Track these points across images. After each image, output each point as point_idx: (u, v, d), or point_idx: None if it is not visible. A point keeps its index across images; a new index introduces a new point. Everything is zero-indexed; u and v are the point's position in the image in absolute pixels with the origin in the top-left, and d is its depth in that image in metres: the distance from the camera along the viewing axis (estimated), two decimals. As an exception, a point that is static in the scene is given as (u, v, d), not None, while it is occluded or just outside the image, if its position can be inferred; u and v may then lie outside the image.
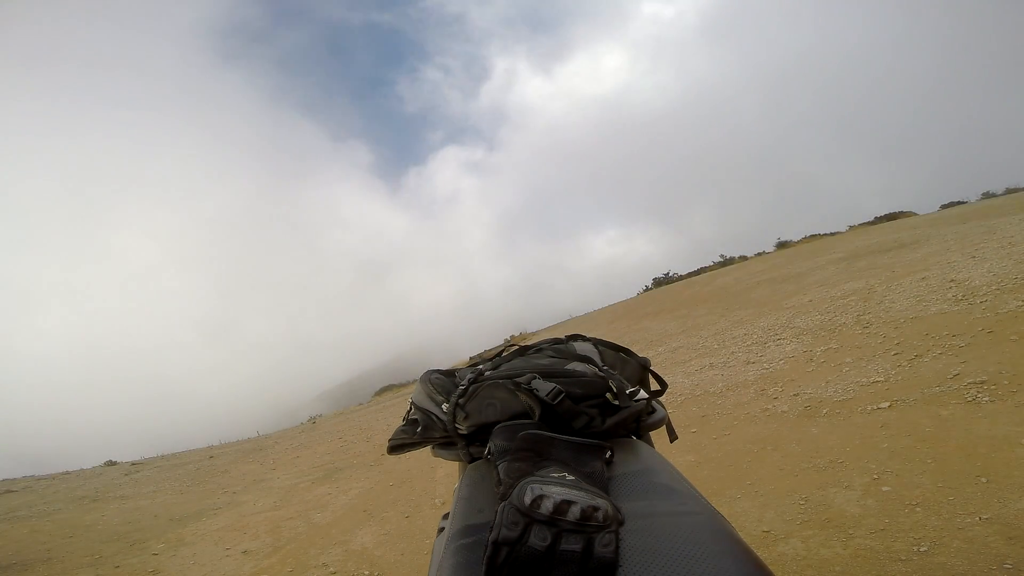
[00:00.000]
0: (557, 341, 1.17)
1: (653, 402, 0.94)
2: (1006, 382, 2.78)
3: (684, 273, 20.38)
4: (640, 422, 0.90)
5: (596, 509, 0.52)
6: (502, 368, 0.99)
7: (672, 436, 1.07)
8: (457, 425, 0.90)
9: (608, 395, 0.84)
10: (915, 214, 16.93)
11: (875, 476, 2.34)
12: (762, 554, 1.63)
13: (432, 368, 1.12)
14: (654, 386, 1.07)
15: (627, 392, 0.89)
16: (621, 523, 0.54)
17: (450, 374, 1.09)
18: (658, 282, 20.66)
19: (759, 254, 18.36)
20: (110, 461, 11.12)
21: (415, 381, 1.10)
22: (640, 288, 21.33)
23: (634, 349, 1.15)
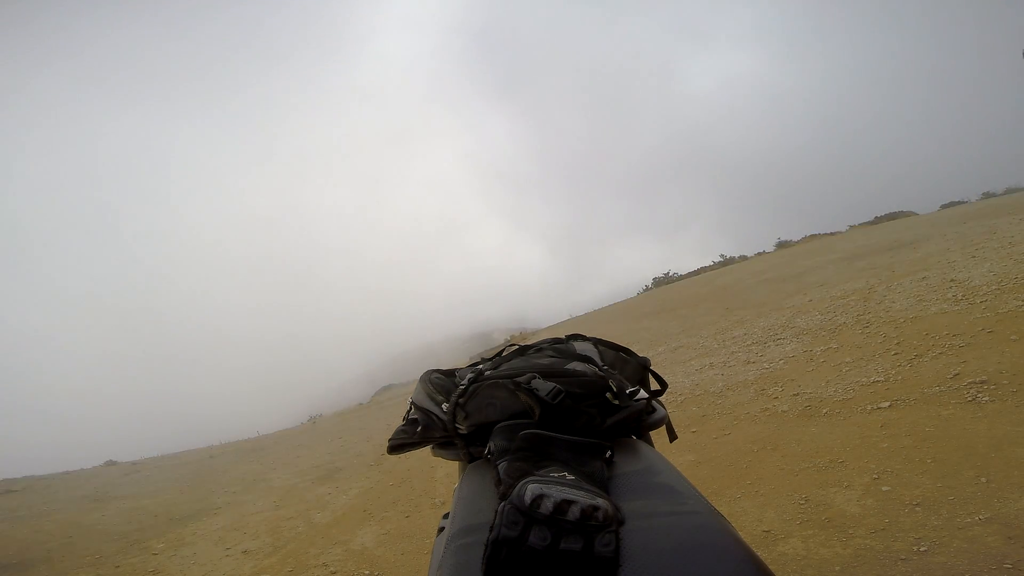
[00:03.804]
0: (557, 341, 1.17)
1: (653, 402, 0.94)
2: (1006, 382, 2.78)
3: (684, 273, 20.39)
4: (640, 422, 0.90)
5: (596, 509, 0.52)
6: (502, 368, 1.00)
7: (672, 436, 1.07)
8: (457, 425, 0.90)
9: (608, 395, 0.84)
10: (915, 214, 16.93)
11: (875, 476, 2.35)
12: (762, 554, 1.63)
13: (432, 368, 1.12)
14: (654, 386, 1.07)
15: (627, 392, 0.89)
16: (621, 523, 0.54)
17: (450, 374, 1.09)
18: (658, 282, 20.67)
19: (759, 254, 18.36)
20: (110, 461, 11.12)
21: (415, 381, 1.10)
22: (640, 288, 21.35)
23: (634, 349, 1.15)
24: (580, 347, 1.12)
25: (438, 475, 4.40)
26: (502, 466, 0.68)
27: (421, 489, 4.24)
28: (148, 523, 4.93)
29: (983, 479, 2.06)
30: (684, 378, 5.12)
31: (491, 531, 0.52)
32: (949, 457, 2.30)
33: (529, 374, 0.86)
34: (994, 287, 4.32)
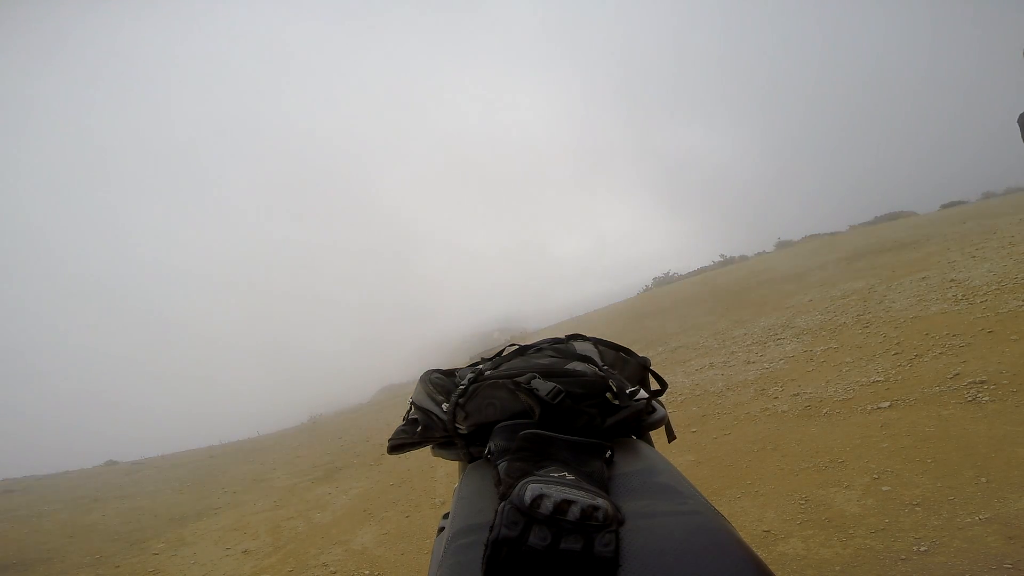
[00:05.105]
0: (557, 341, 1.17)
1: (653, 402, 0.94)
2: (1006, 382, 2.78)
3: (684, 273, 20.40)
4: (640, 422, 0.90)
5: (596, 508, 0.52)
6: (502, 368, 0.99)
7: (670, 436, 1.06)
8: (457, 425, 0.90)
9: (608, 395, 0.84)
10: (915, 214, 16.95)
11: (875, 476, 2.35)
12: (762, 554, 1.63)
13: (432, 368, 1.12)
14: (654, 386, 1.07)
15: (627, 392, 0.89)
16: (621, 523, 0.54)
17: (450, 374, 1.09)
18: (658, 282, 20.68)
19: (759, 254, 18.38)
20: (110, 461, 11.13)
21: (415, 381, 1.10)
22: (640, 288, 21.36)
23: (634, 349, 1.14)
24: (580, 347, 1.12)
25: (438, 475, 4.40)
26: (502, 466, 0.68)
27: (421, 489, 4.24)
28: (148, 523, 4.94)
29: (983, 479, 2.06)
30: (684, 378, 5.12)
31: (491, 531, 0.52)
32: (949, 457, 2.30)
33: (529, 374, 0.86)
34: (994, 287, 4.32)
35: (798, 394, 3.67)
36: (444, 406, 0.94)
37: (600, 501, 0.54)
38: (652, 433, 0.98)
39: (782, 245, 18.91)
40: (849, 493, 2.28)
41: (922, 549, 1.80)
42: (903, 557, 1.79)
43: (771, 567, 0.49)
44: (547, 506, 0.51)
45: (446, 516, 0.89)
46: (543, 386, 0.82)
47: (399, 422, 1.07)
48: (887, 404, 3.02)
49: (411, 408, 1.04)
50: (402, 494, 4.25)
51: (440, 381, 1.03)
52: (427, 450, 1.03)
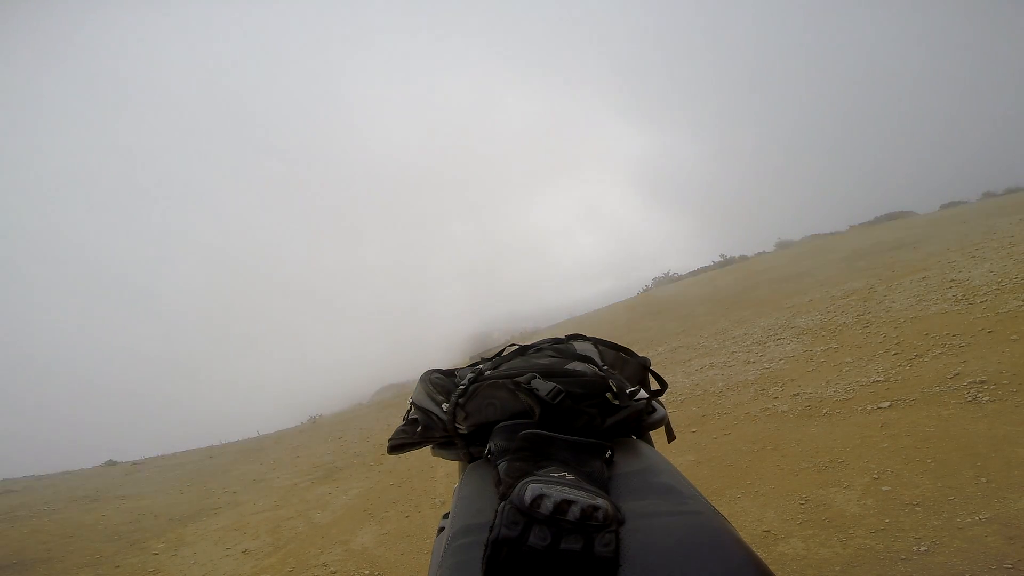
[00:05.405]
0: (557, 341, 1.17)
1: (653, 402, 0.94)
2: (1006, 382, 2.78)
3: (684, 273, 20.41)
4: (640, 422, 0.90)
5: (596, 509, 0.52)
6: (502, 368, 1.00)
7: (670, 436, 1.07)
8: (457, 425, 0.90)
9: (608, 395, 0.84)
10: (915, 214, 16.96)
11: (875, 476, 2.35)
12: (762, 554, 1.63)
13: (432, 368, 1.12)
14: (654, 386, 1.07)
15: (627, 392, 0.89)
16: (621, 522, 0.54)
17: (450, 374, 1.10)
18: (658, 282, 20.68)
19: (759, 254, 18.39)
20: (110, 461, 11.12)
21: (415, 380, 1.10)
22: (640, 288, 21.35)
23: (634, 349, 1.15)
24: (580, 347, 1.12)
25: (438, 475, 4.40)
26: (502, 466, 0.68)
27: (421, 489, 4.24)
28: (148, 523, 4.93)
29: (983, 479, 2.06)
30: (684, 378, 5.12)
31: (491, 531, 0.52)
32: (949, 457, 2.30)
33: (529, 374, 0.86)
34: (994, 287, 4.32)
35: (798, 394, 3.67)
36: (444, 406, 0.94)
37: (600, 501, 0.54)
38: (652, 433, 0.98)
39: (782, 245, 18.92)
40: (849, 493, 2.28)
41: (922, 549, 1.80)
42: (903, 557, 1.79)
43: (771, 567, 0.49)
44: (547, 506, 0.52)
45: (446, 516, 0.89)
46: (543, 386, 0.82)
47: (399, 422, 1.08)
48: (887, 404, 3.02)
49: (411, 408, 1.05)
50: (402, 494, 4.25)
51: (440, 381, 1.03)
52: (427, 450, 1.03)
